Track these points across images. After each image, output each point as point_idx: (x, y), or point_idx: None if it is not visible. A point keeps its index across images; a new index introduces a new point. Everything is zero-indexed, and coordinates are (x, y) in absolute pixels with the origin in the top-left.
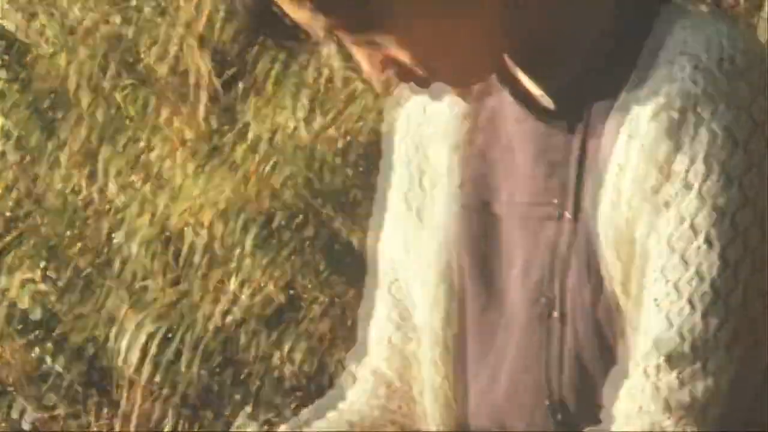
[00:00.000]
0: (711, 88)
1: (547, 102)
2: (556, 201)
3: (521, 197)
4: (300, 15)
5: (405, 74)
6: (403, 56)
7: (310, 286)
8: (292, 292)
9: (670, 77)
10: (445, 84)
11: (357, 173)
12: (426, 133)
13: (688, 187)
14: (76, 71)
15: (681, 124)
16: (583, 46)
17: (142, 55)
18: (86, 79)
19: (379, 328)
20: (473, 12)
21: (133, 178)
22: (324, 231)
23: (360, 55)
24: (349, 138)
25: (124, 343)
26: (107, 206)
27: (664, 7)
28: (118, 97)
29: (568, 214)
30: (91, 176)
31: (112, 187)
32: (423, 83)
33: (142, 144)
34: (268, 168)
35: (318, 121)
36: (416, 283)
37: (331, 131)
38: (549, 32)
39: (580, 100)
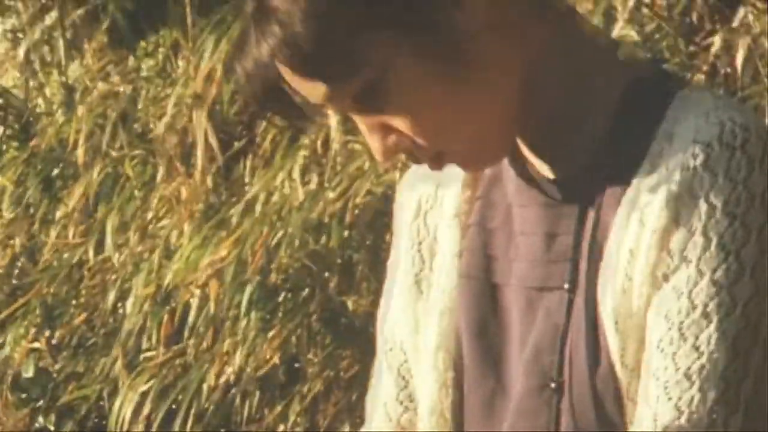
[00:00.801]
0: (717, 170)
1: (554, 191)
2: (559, 279)
3: (523, 272)
4: (312, 95)
5: (416, 156)
6: (416, 139)
7: (305, 347)
8: (287, 353)
9: (684, 165)
10: (457, 166)
11: (353, 235)
12: (430, 206)
13: (686, 260)
14: (75, 130)
15: (682, 201)
16: (596, 131)
17: (144, 117)
18: (84, 138)
19: (387, 409)
20: (485, 96)
21: (130, 237)
22: (320, 293)
23: (371, 136)
24: (345, 199)
25: (117, 403)
26: (103, 265)
27: (678, 93)
28: (117, 157)
29: (567, 286)
30: (88, 235)
31: (108, 246)
32: (435, 165)
33: (139, 204)
34: (264, 228)
35: (314, 182)
36: (417, 353)
37: (328, 192)
38: (561, 117)
39: (591, 184)
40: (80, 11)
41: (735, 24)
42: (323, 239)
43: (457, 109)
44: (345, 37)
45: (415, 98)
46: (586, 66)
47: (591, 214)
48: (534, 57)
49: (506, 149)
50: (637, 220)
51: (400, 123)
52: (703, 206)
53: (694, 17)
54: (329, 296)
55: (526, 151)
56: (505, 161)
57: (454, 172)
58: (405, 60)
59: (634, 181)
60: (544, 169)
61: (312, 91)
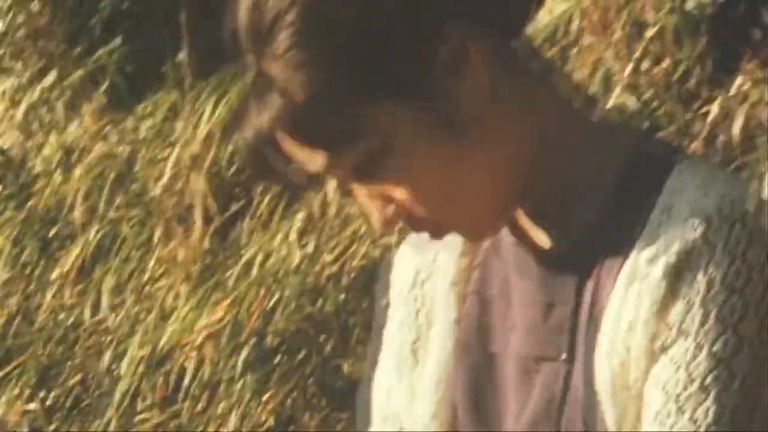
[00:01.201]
0: (715, 243)
1: (552, 261)
2: (556, 349)
3: (520, 342)
4: (312, 164)
5: (417, 225)
6: (416, 208)
7: (301, 410)
8: (282, 416)
9: (682, 237)
10: (457, 235)
11: (350, 298)
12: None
13: (684, 333)
14: (73, 191)
15: (681, 274)
16: (596, 201)
17: (141, 178)
18: (82, 199)
19: None
20: (486, 167)
21: (126, 298)
22: (316, 356)
23: (370, 205)
24: (342, 262)
25: None
26: (99, 326)
27: (677, 164)
28: (114, 217)
29: (564, 356)
30: (83, 295)
31: (104, 307)
32: (436, 234)
33: (135, 265)
34: (260, 291)
35: (311, 245)
36: (412, 422)
37: (325, 255)
38: (562, 189)
39: (590, 254)
40: (79, 72)
41: (732, 92)
42: (320, 302)
43: (457, 180)
44: (345, 107)
45: (416, 168)
46: (587, 139)
47: (589, 285)
48: (536, 129)
49: (506, 220)
50: (636, 291)
51: (400, 193)
52: (702, 279)
53: (692, 85)
54: (325, 359)
55: (525, 221)
56: (504, 230)
57: (452, 240)
58: (406, 130)
59: (633, 253)
60: (544, 239)
61: (311, 160)
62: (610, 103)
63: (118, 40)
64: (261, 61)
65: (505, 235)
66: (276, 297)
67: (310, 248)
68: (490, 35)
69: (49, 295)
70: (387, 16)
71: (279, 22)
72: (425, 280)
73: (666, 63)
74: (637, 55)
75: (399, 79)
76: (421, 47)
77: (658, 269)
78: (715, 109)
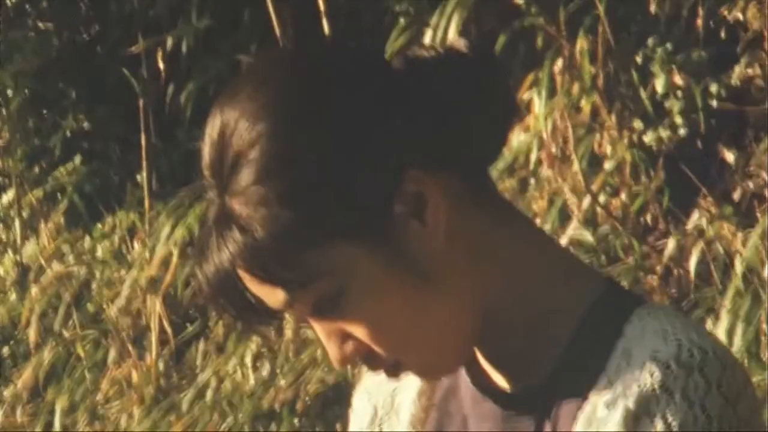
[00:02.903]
0: (673, 390)
1: (510, 403)
2: None
3: None
4: (272, 301)
5: (374, 363)
6: (373, 347)
7: None
8: None
9: (641, 383)
10: (414, 374)
11: (304, 424)
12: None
13: None
14: (28, 310)
15: (639, 420)
16: (555, 347)
17: (97, 299)
18: (37, 318)
19: None
20: (444, 308)
21: (78, 418)
22: None
23: (328, 342)
24: (297, 387)
25: None
26: None
27: (635, 310)
28: (68, 338)
29: None
30: (36, 415)
31: (56, 427)
32: (392, 373)
33: (89, 385)
34: (214, 415)
35: (266, 369)
36: None
37: (280, 380)
38: (521, 332)
39: (548, 397)
40: (38, 191)
41: (689, 227)
42: (273, 427)
43: (415, 320)
44: (305, 246)
45: (374, 308)
46: (548, 284)
47: (547, 428)
48: (496, 271)
49: (464, 360)
50: None
51: (358, 331)
52: (659, 425)
53: (649, 219)
54: None
55: (483, 362)
56: (462, 371)
57: (410, 379)
58: (365, 271)
59: (592, 397)
60: (501, 381)
61: (271, 297)
62: (566, 237)
63: (76, 160)
64: (223, 196)
65: (463, 377)
66: (229, 421)
67: (264, 372)
68: (457, 175)
69: (1, 414)
70: (349, 159)
71: (241, 158)
72: (383, 418)
73: (622, 197)
74: (594, 187)
75: (358, 221)
76: (380, 192)
77: (617, 414)
78: (670, 244)
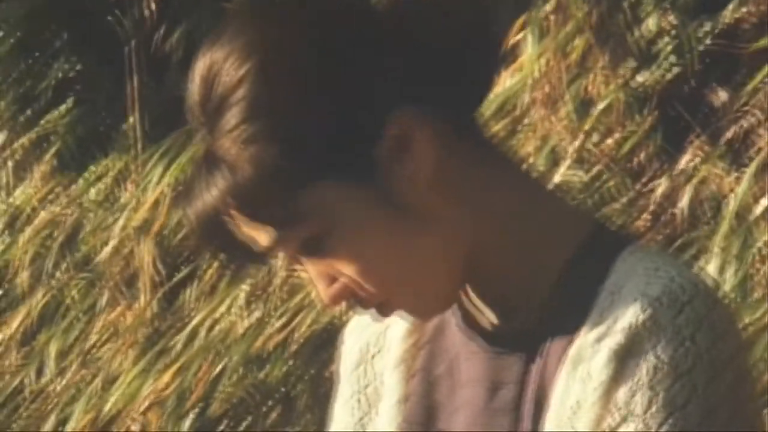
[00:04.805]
0: (664, 325)
1: (499, 341)
2: (501, 429)
3: (466, 421)
4: (261, 240)
5: (364, 302)
6: (363, 286)
7: None
8: None
9: (630, 320)
10: (405, 313)
11: (296, 366)
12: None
13: (632, 414)
14: (19, 254)
15: (628, 356)
16: (545, 284)
17: (89, 243)
18: (28, 263)
19: None
20: (433, 246)
21: (71, 362)
22: (261, 424)
23: (318, 281)
24: (288, 331)
25: None
26: (43, 390)
27: (626, 248)
28: (60, 282)
29: None
30: (28, 359)
31: (48, 371)
32: (383, 312)
33: (81, 329)
34: (207, 357)
35: (258, 313)
36: None
37: (271, 323)
38: (510, 270)
39: (538, 335)
40: (28, 135)
41: (681, 167)
42: (266, 369)
43: (402, 258)
44: (293, 184)
45: (362, 246)
46: (536, 224)
47: (536, 366)
48: (483, 210)
49: (454, 298)
50: (583, 372)
51: (347, 269)
52: (650, 361)
53: (640, 160)
54: (271, 427)
55: (474, 299)
56: (450, 312)
57: (399, 319)
58: (352, 209)
59: (581, 333)
60: (492, 318)
61: (260, 236)
62: (557, 178)
63: (68, 104)
64: (211, 136)
65: (453, 314)
66: (222, 364)
67: (256, 315)
68: (443, 116)
69: None
70: (335, 98)
71: (229, 97)
72: (375, 354)
73: (614, 138)
74: (585, 129)
75: (345, 160)
76: (366, 131)
77: (605, 351)
78: (662, 184)
